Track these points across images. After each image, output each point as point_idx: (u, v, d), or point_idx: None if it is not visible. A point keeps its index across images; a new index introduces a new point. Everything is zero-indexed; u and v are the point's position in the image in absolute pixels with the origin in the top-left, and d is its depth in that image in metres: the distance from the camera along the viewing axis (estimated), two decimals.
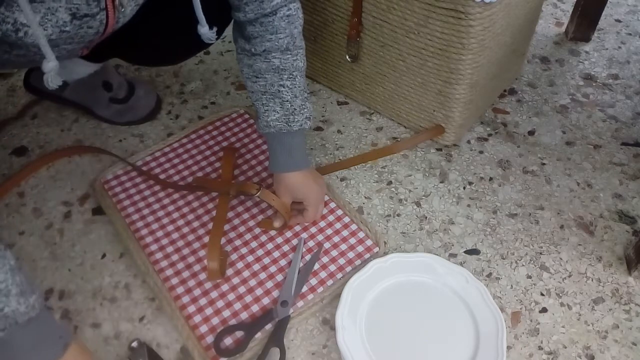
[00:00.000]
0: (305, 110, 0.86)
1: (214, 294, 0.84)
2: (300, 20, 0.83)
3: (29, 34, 0.59)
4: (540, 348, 0.81)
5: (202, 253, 0.89)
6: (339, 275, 0.87)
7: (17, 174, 1.02)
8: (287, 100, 0.84)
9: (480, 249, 0.93)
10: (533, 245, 0.94)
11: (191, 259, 0.89)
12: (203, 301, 0.83)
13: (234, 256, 0.89)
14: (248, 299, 0.84)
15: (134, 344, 0.76)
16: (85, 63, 1.02)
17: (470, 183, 1.03)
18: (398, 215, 0.98)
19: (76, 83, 1.07)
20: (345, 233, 0.93)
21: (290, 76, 0.83)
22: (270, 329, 0.80)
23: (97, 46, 0.85)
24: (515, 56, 1.14)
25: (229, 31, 0.90)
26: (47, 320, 0.66)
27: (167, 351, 0.80)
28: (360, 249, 0.90)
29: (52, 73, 0.63)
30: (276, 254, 0.90)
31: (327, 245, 0.91)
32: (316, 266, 0.88)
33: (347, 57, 1.11)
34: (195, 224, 0.94)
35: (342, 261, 0.89)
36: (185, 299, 0.83)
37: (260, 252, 0.90)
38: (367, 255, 0.90)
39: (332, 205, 0.97)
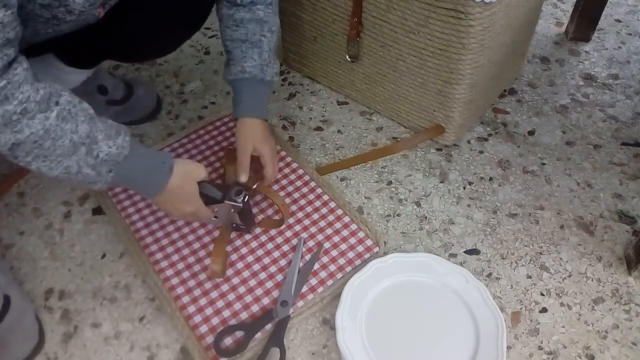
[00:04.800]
0: (276, 65, 0.91)
1: (214, 294, 0.84)
2: None
3: None
4: (540, 348, 0.81)
5: (202, 253, 0.89)
6: (339, 275, 0.87)
7: (17, 171, 1.02)
8: (265, 51, 0.88)
9: (480, 249, 0.93)
10: (533, 245, 0.94)
11: (191, 259, 0.89)
12: (203, 301, 0.83)
13: (234, 256, 0.89)
14: (248, 299, 0.84)
15: None
16: (76, 71, 0.97)
17: (470, 183, 1.03)
18: (398, 215, 0.98)
19: None
20: (345, 233, 0.93)
21: (270, 30, 0.88)
22: (270, 329, 0.80)
23: (88, 48, 0.84)
24: (515, 56, 1.14)
25: None
26: (144, 153, 0.74)
27: (167, 351, 0.80)
28: (360, 248, 0.90)
29: None
30: (276, 254, 0.90)
31: (327, 245, 0.91)
32: (316, 266, 0.88)
33: (347, 57, 1.11)
34: (196, 224, 0.94)
35: (342, 261, 0.89)
36: (186, 299, 0.84)
37: (260, 252, 0.90)
38: (367, 255, 0.89)
39: (332, 204, 0.96)
